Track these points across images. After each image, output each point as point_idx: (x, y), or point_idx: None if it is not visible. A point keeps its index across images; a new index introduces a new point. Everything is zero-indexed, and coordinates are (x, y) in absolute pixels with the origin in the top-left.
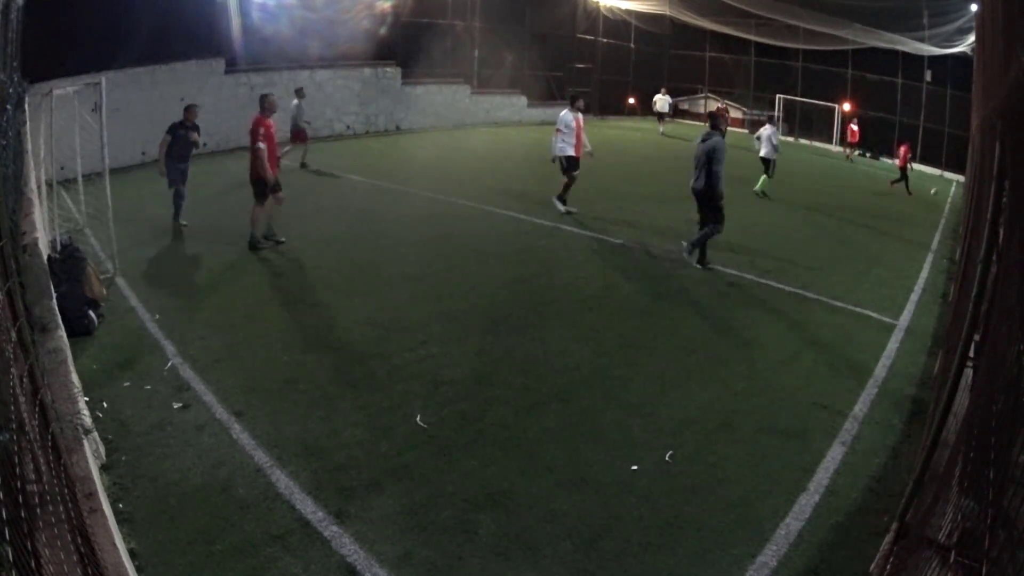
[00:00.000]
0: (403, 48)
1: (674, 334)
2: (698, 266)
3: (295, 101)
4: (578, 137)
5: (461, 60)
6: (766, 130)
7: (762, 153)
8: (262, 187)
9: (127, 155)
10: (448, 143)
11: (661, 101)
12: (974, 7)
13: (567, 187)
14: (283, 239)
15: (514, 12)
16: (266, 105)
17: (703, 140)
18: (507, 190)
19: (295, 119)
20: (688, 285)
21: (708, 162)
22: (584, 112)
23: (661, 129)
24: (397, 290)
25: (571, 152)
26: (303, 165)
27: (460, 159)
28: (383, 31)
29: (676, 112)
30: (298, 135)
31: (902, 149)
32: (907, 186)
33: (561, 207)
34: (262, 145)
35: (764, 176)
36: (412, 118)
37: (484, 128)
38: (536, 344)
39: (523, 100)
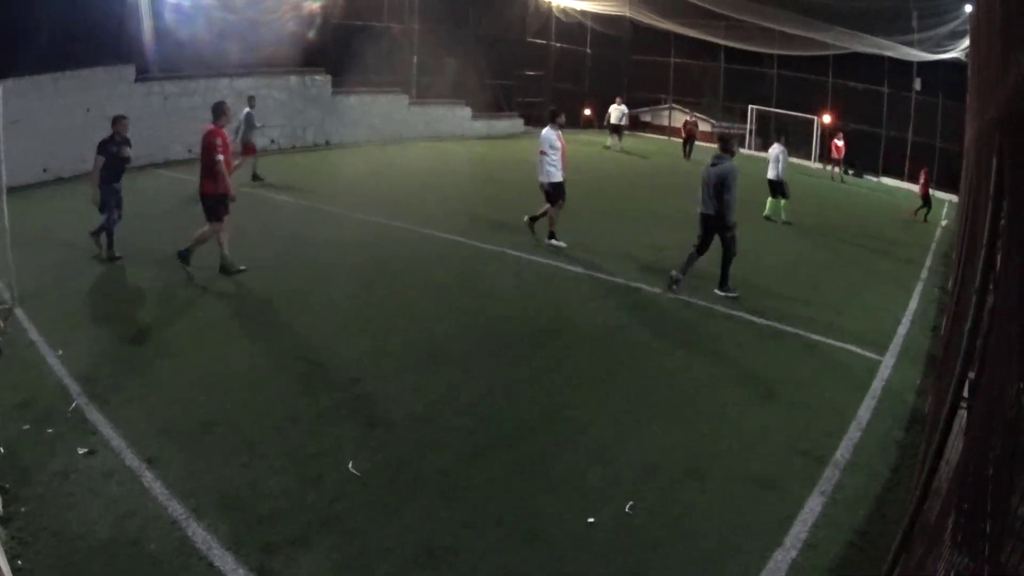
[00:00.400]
0: (334, 53)
1: (635, 371)
2: (723, 293)
3: (246, 110)
4: (563, 158)
5: (398, 67)
6: (774, 150)
7: (769, 175)
8: (220, 204)
9: (28, 172)
10: (384, 159)
11: (616, 112)
12: (968, 7)
13: (553, 219)
14: (243, 267)
15: (457, 13)
16: (221, 114)
17: (713, 164)
18: (450, 211)
19: (245, 130)
20: (651, 316)
21: (720, 188)
22: (563, 128)
23: (610, 143)
24: (328, 322)
25: (559, 177)
26: (255, 177)
27: (397, 177)
28: (311, 34)
29: (637, 124)
30: (248, 148)
31: (922, 175)
32: (926, 215)
33: (557, 243)
34: (221, 157)
35: (770, 199)
36: (344, 131)
37: (424, 142)
38: (481, 382)
39: (467, 111)
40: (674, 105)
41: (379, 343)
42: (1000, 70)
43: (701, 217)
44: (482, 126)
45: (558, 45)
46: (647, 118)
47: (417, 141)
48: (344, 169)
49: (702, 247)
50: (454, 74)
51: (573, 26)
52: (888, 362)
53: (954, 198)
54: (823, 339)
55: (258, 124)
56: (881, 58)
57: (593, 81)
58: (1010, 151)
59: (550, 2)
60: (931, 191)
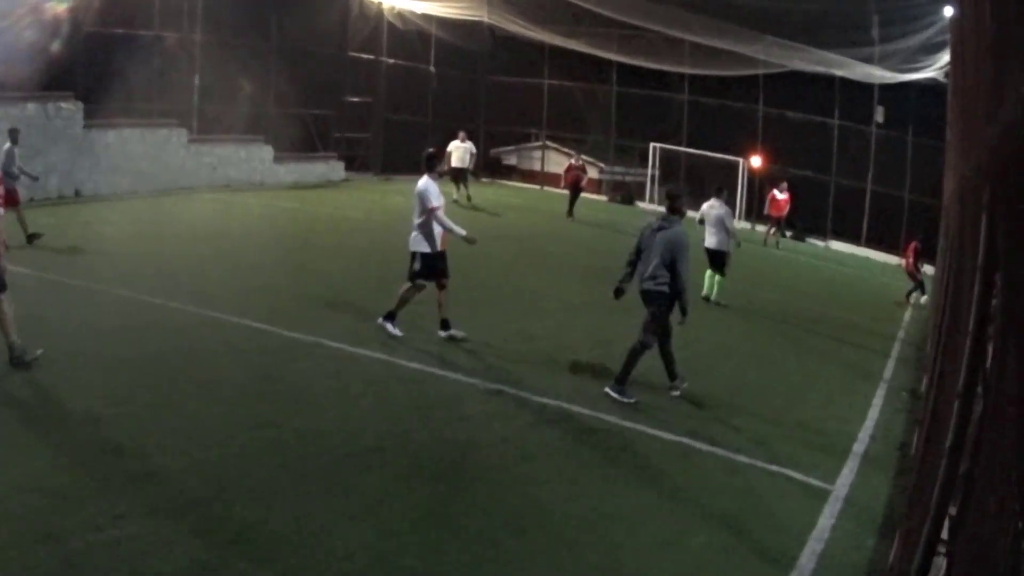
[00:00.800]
0: (86, 73)
1: (494, 504)
2: (616, 395)
3: (7, 145)
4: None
5: (175, 91)
6: (714, 209)
7: (708, 243)
8: None
9: None
10: (156, 216)
11: (459, 152)
12: (948, 11)
13: (442, 303)
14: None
15: (255, 20)
16: None
17: (659, 228)
18: (246, 289)
19: (5, 171)
20: (517, 430)
21: (672, 259)
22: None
23: (456, 196)
24: (80, 438)
25: (439, 245)
26: (31, 238)
27: (175, 241)
28: (55, 47)
29: (498, 170)
30: (10, 196)
31: (910, 250)
32: (912, 293)
33: (457, 333)
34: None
35: (712, 274)
36: (100, 178)
37: (210, 193)
38: (288, 519)
39: (268, 152)
40: (549, 143)
41: (146, 467)
42: (991, 97)
43: (645, 295)
44: (289, 172)
45: (391, 61)
46: (512, 160)
47: (201, 191)
48: (101, 229)
49: (649, 328)
50: (251, 102)
51: (412, 36)
52: (840, 492)
53: (929, 270)
54: (751, 461)
55: (16, 168)
56: (830, 79)
57: (439, 111)
58: (1005, 207)
59: (380, 2)
60: (921, 268)
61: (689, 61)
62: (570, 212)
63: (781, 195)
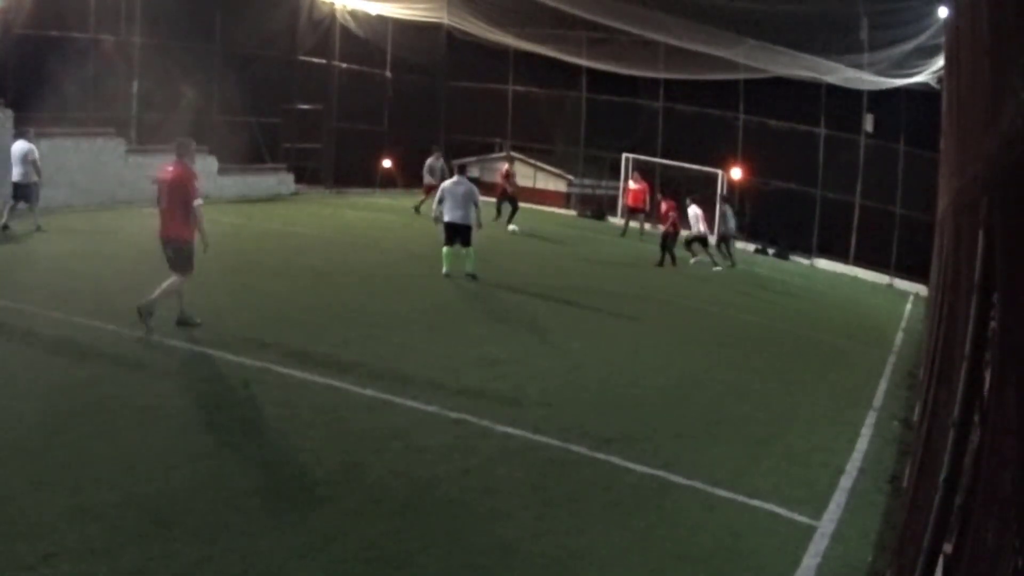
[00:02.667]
0: (16, 78)
1: (454, 543)
2: None
3: None
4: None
5: (112, 98)
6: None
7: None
8: None
9: None
10: (91, 232)
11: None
12: (943, 12)
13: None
14: None
15: (198, 22)
16: None
17: None
18: (189, 305)
19: None
20: (478, 463)
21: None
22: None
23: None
24: (8, 471)
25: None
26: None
27: (111, 258)
28: None
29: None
30: None
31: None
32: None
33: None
34: None
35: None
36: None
37: (150, 207)
38: (233, 558)
39: (212, 163)
40: (513, 154)
41: (83, 501)
42: (988, 104)
43: None
44: (235, 184)
45: (344, 66)
46: (475, 172)
47: (141, 205)
48: (34, 247)
49: None
50: (193, 109)
51: (367, 40)
52: (826, 529)
53: (922, 289)
54: (731, 496)
55: None
56: (816, 85)
57: (396, 120)
58: (1003, 222)
59: (332, 3)
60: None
61: (664, 66)
62: (500, 214)
63: (635, 185)
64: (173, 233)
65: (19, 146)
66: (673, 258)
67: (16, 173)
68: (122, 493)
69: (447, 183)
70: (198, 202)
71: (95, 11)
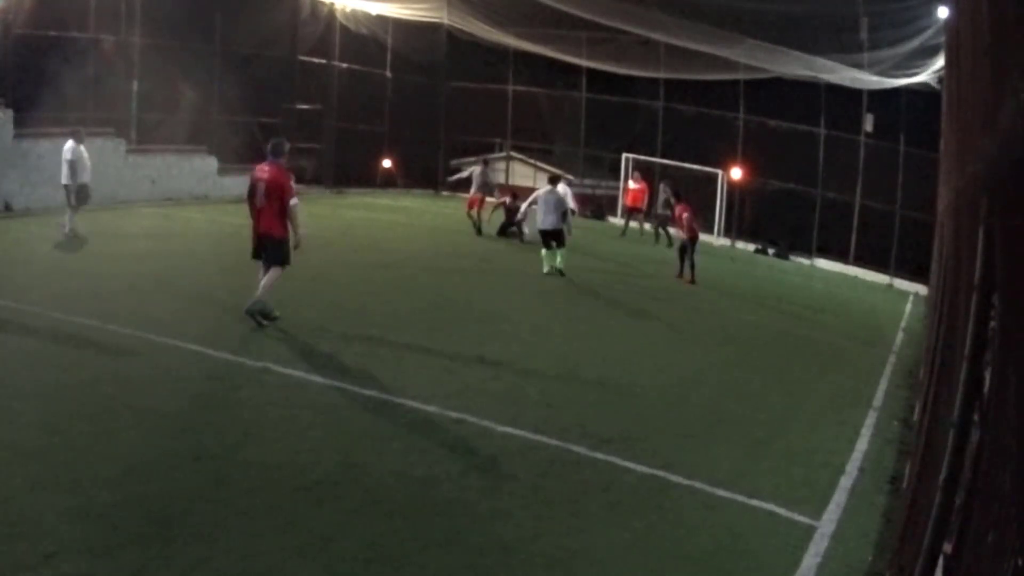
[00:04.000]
0: (15, 78)
1: (454, 542)
2: None
3: None
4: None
5: (112, 98)
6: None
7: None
8: None
9: None
10: (91, 232)
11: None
12: (943, 12)
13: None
14: None
15: (198, 23)
16: None
17: None
18: (188, 309)
19: None
20: (478, 462)
21: None
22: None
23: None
24: (8, 471)
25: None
26: None
27: (111, 258)
28: None
29: (457, 182)
30: None
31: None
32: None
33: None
34: None
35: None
36: (31, 191)
37: (150, 207)
38: (233, 558)
39: (212, 163)
40: (513, 154)
41: (83, 501)
42: (988, 104)
43: None
44: (234, 184)
45: (344, 66)
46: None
47: (140, 205)
48: (34, 247)
49: None
50: (193, 109)
51: (367, 40)
52: (826, 529)
53: (922, 289)
54: (731, 496)
55: None
56: (815, 85)
57: (396, 119)
58: (1003, 222)
59: (332, 3)
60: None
61: (664, 66)
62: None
63: (635, 184)
64: (269, 230)
65: (69, 147)
66: (693, 270)
67: (64, 175)
68: (122, 493)
69: (541, 191)
70: (294, 201)
71: (95, 11)
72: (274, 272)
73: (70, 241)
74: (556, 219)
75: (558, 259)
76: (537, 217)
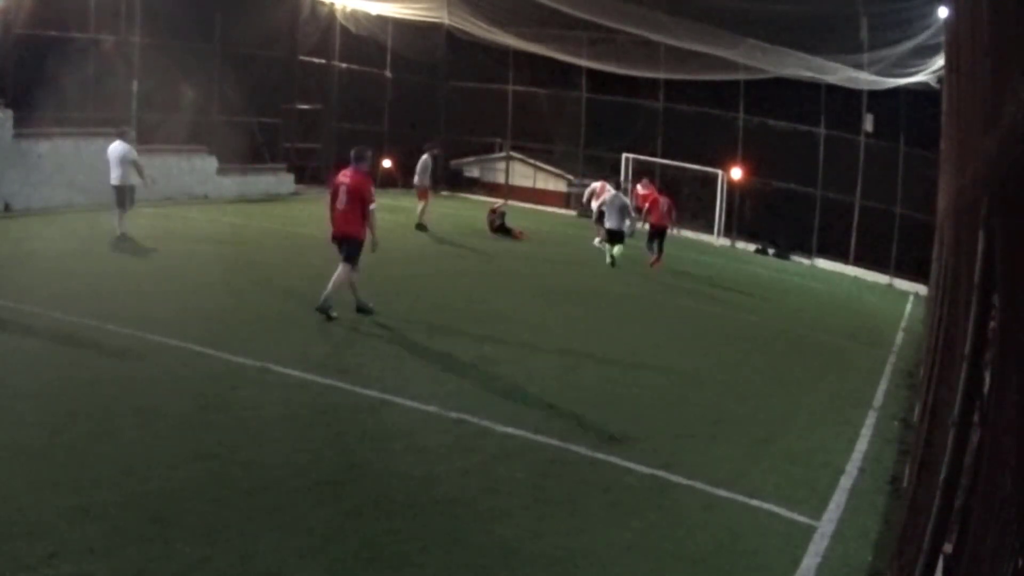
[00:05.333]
0: (16, 78)
1: (454, 543)
2: None
3: None
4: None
5: (113, 98)
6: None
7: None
8: None
9: None
10: (91, 232)
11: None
12: (942, 12)
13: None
14: None
15: (198, 23)
16: None
17: None
18: (186, 309)
19: None
20: (478, 463)
21: None
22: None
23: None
24: (9, 471)
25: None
26: None
27: (110, 258)
28: None
29: (459, 182)
30: None
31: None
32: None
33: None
34: None
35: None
36: (32, 191)
37: (149, 207)
38: (233, 558)
39: (212, 162)
40: (513, 154)
41: (83, 501)
42: (988, 103)
43: None
44: (234, 184)
45: (344, 66)
46: (474, 172)
47: (140, 205)
48: (34, 247)
49: None
50: (193, 109)
51: (367, 40)
52: (826, 529)
53: (922, 289)
54: (731, 496)
55: None
56: (815, 85)
57: (396, 120)
58: (1003, 222)
59: (332, 3)
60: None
61: (664, 66)
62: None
63: (643, 191)
64: (349, 231)
65: (116, 147)
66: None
67: (114, 176)
68: (122, 493)
69: (608, 195)
70: (373, 206)
71: (95, 11)
72: (344, 269)
73: (124, 242)
74: (619, 221)
75: (617, 254)
76: (605, 218)
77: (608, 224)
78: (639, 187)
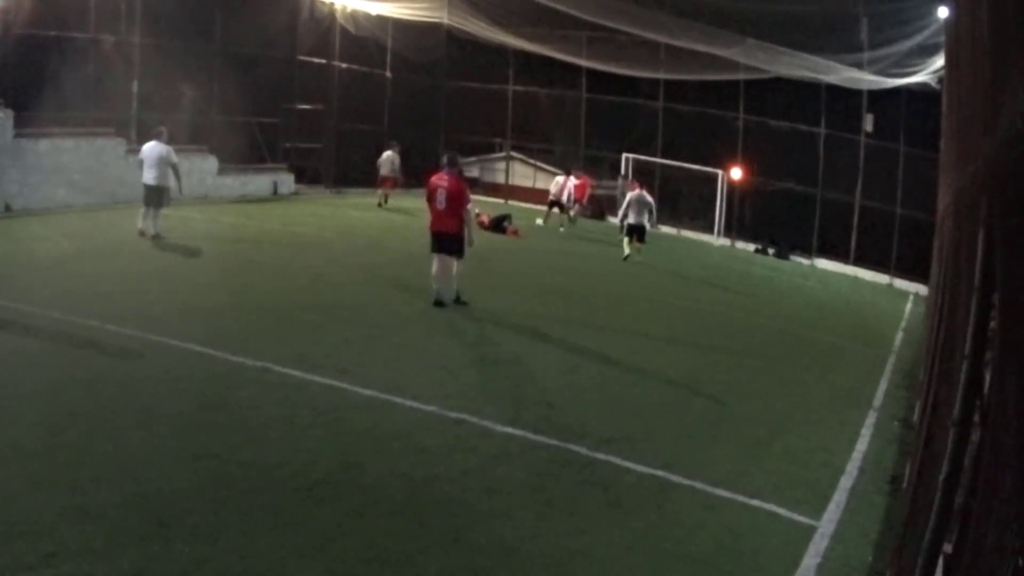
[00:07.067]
0: (16, 78)
1: (454, 542)
2: None
3: None
4: None
5: (112, 98)
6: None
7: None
8: None
9: None
10: (91, 232)
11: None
12: (943, 12)
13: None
14: None
15: (198, 22)
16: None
17: None
18: (188, 310)
19: None
20: (478, 463)
21: None
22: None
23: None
24: (8, 472)
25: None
26: None
27: (111, 258)
28: None
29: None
30: None
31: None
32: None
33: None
34: None
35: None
36: (31, 191)
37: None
38: (233, 558)
39: (212, 162)
40: (513, 154)
41: (83, 501)
42: (988, 104)
43: None
44: (234, 184)
45: (344, 66)
46: (474, 173)
47: (140, 205)
48: (34, 247)
49: None
50: (194, 109)
51: (367, 40)
52: (826, 529)
53: (922, 289)
54: (731, 496)
55: None
56: (816, 85)
57: (396, 119)
58: (1003, 222)
59: (332, 3)
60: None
61: (664, 66)
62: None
63: (577, 180)
64: (448, 229)
65: (152, 148)
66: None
67: (149, 176)
68: (122, 493)
69: (632, 194)
70: (469, 206)
71: (95, 11)
72: (458, 264)
73: (160, 241)
74: (641, 218)
75: (642, 251)
76: (629, 214)
77: (631, 220)
78: (571, 178)
